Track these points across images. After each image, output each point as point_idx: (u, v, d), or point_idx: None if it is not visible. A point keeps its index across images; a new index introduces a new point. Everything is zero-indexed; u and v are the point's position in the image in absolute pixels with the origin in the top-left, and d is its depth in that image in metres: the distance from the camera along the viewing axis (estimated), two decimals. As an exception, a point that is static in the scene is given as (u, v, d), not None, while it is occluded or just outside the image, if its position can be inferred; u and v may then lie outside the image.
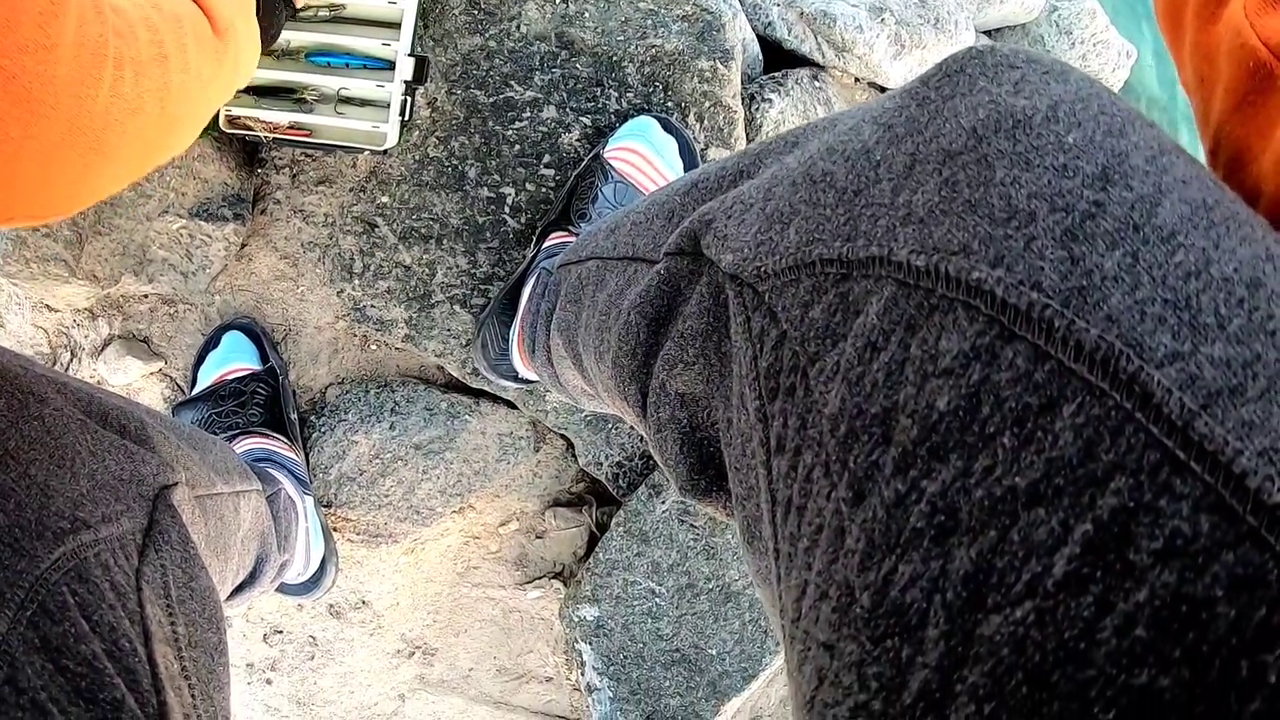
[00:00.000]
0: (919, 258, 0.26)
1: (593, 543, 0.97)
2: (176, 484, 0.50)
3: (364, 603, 1.06)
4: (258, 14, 0.64)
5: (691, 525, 0.89)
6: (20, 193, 0.39)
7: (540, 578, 1.00)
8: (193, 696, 0.42)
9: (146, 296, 1.02)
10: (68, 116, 0.38)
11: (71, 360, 1.10)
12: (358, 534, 1.00)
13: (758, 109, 0.92)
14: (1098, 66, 1.40)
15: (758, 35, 1.02)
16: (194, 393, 0.97)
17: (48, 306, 1.08)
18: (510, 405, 0.92)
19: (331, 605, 1.06)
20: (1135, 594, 0.19)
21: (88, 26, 0.39)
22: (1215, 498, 0.19)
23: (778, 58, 1.04)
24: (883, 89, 1.09)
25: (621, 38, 0.84)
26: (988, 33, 1.36)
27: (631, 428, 0.90)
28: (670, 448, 0.44)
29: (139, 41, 0.44)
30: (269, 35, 0.70)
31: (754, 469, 0.33)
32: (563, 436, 0.94)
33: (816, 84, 1.00)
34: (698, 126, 0.85)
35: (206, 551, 0.55)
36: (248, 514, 0.71)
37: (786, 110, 0.93)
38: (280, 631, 1.09)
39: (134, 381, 1.07)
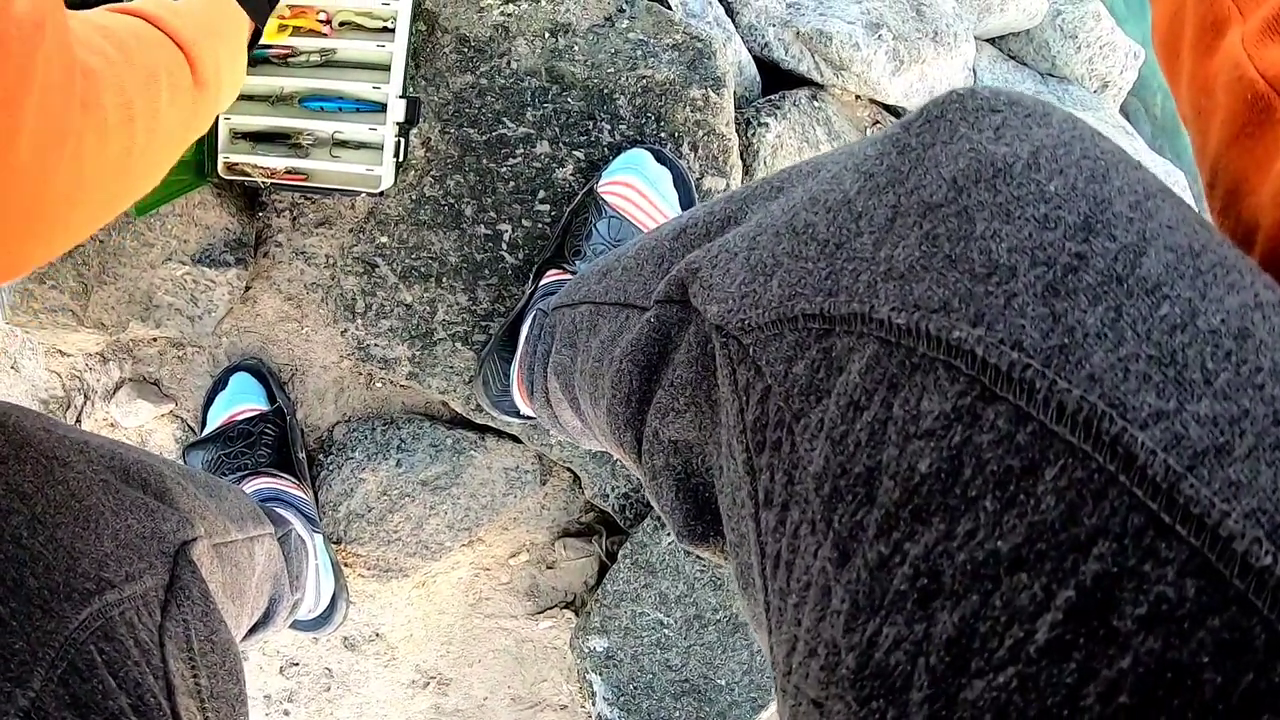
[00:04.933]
0: (900, 315, 0.25)
1: (603, 571, 0.97)
2: (196, 539, 0.51)
3: (378, 635, 1.06)
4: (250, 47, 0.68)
5: (698, 557, 0.88)
6: None
7: (552, 608, 1.00)
8: None
9: (155, 340, 1.04)
10: (27, 203, 0.38)
11: (85, 403, 1.11)
12: (368, 569, 1.00)
13: (754, 134, 0.91)
14: (1105, 69, 1.38)
15: (755, 57, 1.01)
16: (204, 434, 0.98)
17: (60, 352, 1.10)
18: (515, 440, 0.92)
19: (346, 638, 1.07)
20: (1119, 661, 0.19)
21: (51, 101, 0.38)
22: (1201, 561, 0.19)
23: (776, 78, 1.03)
24: (883, 105, 1.08)
25: (612, 70, 0.84)
26: (991, 40, 1.35)
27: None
28: (666, 494, 0.44)
29: (104, 109, 0.43)
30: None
31: (744, 519, 0.33)
32: (569, 469, 0.94)
33: (815, 104, 1.00)
34: (692, 156, 0.84)
35: (223, 598, 0.56)
36: (261, 557, 0.72)
37: (784, 134, 0.92)
38: (296, 664, 1.10)
39: (146, 423, 1.08)
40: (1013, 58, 1.38)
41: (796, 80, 1.02)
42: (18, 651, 0.34)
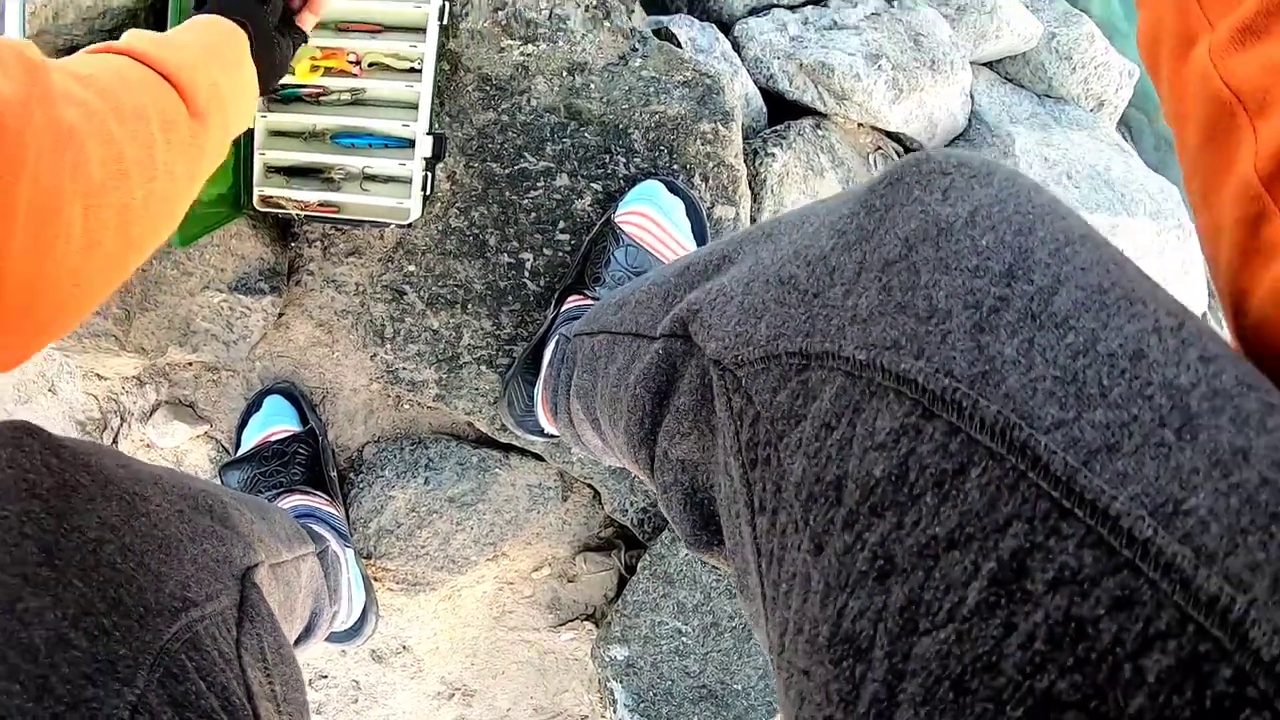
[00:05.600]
0: (861, 352, 0.32)
1: (622, 584, 1.01)
2: (259, 563, 0.57)
3: (405, 648, 1.10)
4: (253, 54, 0.65)
5: (713, 566, 0.92)
6: None
7: (573, 620, 1.04)
8: None
9: (191, 364, 1.08)
10: (25, 283, 0.39)
11: (121, 425, 1.16)
12: (397, 583, 1.04)
13: (761, 163, 0.96)
14: (1100, 89, 1.42)
15: (761, 88, 1.06)
16: (239, 454, 1.02)
17: (98, 375, 1.15)
18: (538, 457, 0.96)
19: (374, 650, 1.11)
20: (1033, 615, 0.24)
21: (43, 175, 0.38)
22: (1095, 536, 0.24)
23: (782, 108, 1.08)
24: (885, 132, 1.13)
25: (626, 106, 0.89)
26: (989, 64, 1.39)
27: (653, 474, 0.94)
28: (675, 507, 0.49)
29: (90, 164, 0.41)
30: (275, 70, 0.71)
31: (740, 527, 0.38)
32: (589, 485, 0.98)
33: (819, 132, 1.04)
34: (703, 186, 0.89)
35: (279, 615, 0.61)
36: (306, 575, 0.77)
37: (789, 163, 0.97)
38: (325, 676, 1.14)
39: (181, 444, 1.13)
40: (1010, 80, 1.42)
41: (801, 110, 1.07)
42: (122, 656, 0.39)
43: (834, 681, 0.28)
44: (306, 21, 0.78)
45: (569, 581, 1.02)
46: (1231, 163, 0.34)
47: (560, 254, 0.89)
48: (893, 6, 1.15)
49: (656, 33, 0.97)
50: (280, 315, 0.99)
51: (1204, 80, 0.36)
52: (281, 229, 0.97)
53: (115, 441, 1.15)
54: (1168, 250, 1.29)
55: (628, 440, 0.54)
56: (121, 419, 1.16)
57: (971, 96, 1.26)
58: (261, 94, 0.70)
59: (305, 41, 0.79)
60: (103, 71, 0.48)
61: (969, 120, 1.22)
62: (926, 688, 0.25)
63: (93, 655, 0.38)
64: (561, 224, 0.89)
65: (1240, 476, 0.23)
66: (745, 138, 0.98)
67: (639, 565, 0.95)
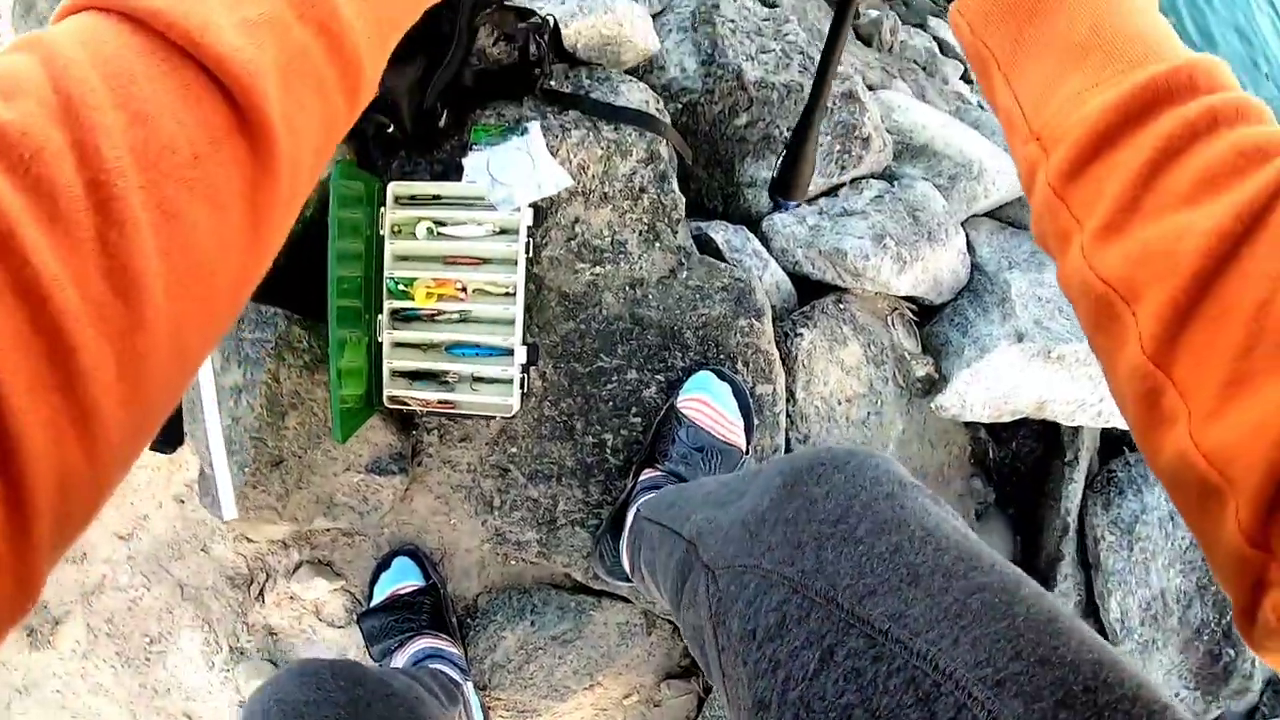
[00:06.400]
0: (768, 565, 0.55)
1: (701, 704, 1.17)
2: None
3: (517, 768, 1.27)
4: (412, 125, 0.71)
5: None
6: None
7: (661, 736, 1.20)
8: None
9: (329, 530, 1.30)
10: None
11: (267, 580, 1.37)
12: (508, 711, 1.22)
13: (791, 344, 1.16)
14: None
15: (789, 273, 1.27)
16: (374, 605, 1.23)
17: (247, 538, 1.37)
18: (625, 600, 1.15)
19: (490, 771, 1.28)
20: (835, 672, 0.47)
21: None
22: (864, 633, 0.45)
23: (808, 286, 1.29)
24: (897, 296, 1.33)
25: (678, 310, 1.10)
26: (989, 214, 1.59)
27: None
28: (694, 649, 0.70)
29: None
30: (432, 137, 0.80)
31: (711, 656, 0.61)
32: (669, 621, 1.16)
33: (840, 306, 1.25)
34: (745, 370, 1.09)
35: None
36: None
37: (815, 340, 1.17)
38: (450, 796, 1.31)
39: (321, 596, 1.34)
40: (1010, 224, 1.62)
41: (824, 287, 1.27)
42: None
43: None
44: None
45: (655, 706, 1.19)
46: (1121, 345, 0.38)
47: (634, 434, 1.10)
48: (893, 187, 1.37)
49: (697, 239, 1.19)
50: (405, 490, 1.20)
51: (1080, 274, 0.40)
52: (406, 420, 1.20)
53: (262, 595, 1.37)
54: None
55: (670, 602, 0.76)
56: (267, 575, 1.38)
57: (972, 249, 1.46)
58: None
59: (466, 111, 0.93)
60: (125, 78, 0.30)
61: (970, 272, 1.42)
62: (799, 708, 0.47)
63: None
64: (633, 410, 1.10)
65: (941, 599, 0.44)
66: (778, 319, 1.19)
67: (714, 687, 1.13)
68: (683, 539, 0.73)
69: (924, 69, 1.91)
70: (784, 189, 0.93)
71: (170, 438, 1.12)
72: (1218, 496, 0.32)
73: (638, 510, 1.00)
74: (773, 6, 1.44)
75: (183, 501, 1.42)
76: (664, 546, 0.80)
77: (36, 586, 0.26)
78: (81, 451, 0.27)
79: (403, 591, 1.20)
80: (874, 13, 1.96)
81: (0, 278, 0.25)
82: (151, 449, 1.06)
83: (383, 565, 1.25)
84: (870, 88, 1.59)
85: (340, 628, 1.32)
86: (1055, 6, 0.45)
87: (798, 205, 1.31)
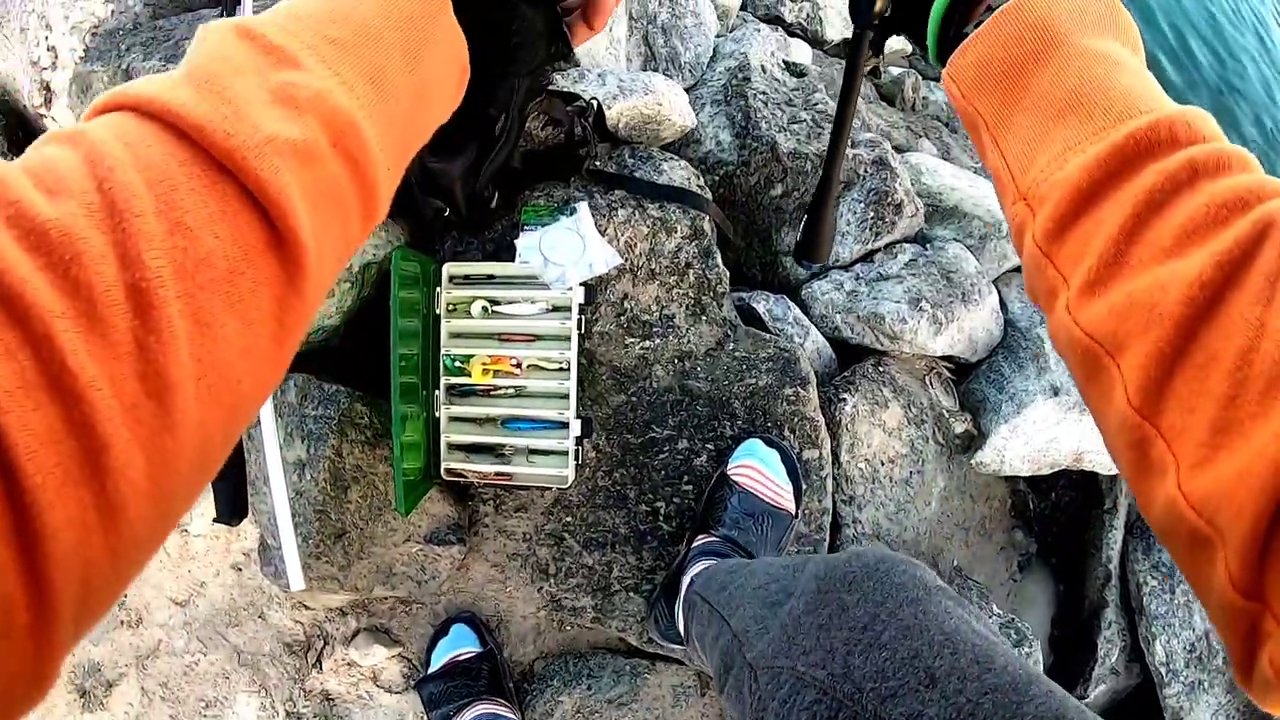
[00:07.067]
0: (801, 667, 0.60)
1: (756, 765, 1.19)
2: None
3: (575, 830, 1.29)
4: (466, 208, 0.76)
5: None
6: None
7: (717, 798, 1.22)
8: None
9: (387, 598, 1.33)
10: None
11: (325, 647, 1.41)
12: (566, 773, 1.25)
13: (835, 409, 1.20)
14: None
15: (829, 339, 1.31)
16: (432, 671, 1.26)
17: (304, 605, 1.41)
18: (679, 662, 1.18)
19: (548, 834, 1.30)
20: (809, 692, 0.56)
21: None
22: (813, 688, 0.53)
23: (848, 350, 1.32)
24: (933, 356, 1.36)
25: (726, 382, 1.14)
26: (1018, 269, 1.63)
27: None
28: None
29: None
30: (484, 218, 0.84)
31: None
32: (722, 683, 1.19)
33: (879, 369, 1.28)
34: (792, 437, 1.13)
35: None
36: None
37: (857, 404, 1.21)
38: None
39: (379, 663, 1.37)
40: (1037, 276, 1.66)
41: (864, 350, 1.31)
42: None
43: None
44: (579, 33, 0.58)
45: (712, 766, 1.20)
46: (1109, 398, 0.38)
47: (686, 502, 1.14)
48: (926, 250, 1.41)
49: (740, 309, 1.24)
50: (463, 559, 1.24)
51: (1066, 330, 0.40)
52: (462, 492, 1.24)
53: (319, 661, 1.40)
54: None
55: (715, 681, 0.80)
56: (325, 642, 1.41)
57: (1004, 306, 1.50)
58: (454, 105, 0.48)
59: (569, 56, 0.64)
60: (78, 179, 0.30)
61: (1004, 329, 1.45)
62: None
63: None
64: (685, 478, 1.14)
65: (956, 699, 0.50)
66: (820, 384, 1.23)
67: (771, 750, 1.15)
68: (729, 628, 0.78)
69: (946, 125, 1.96)
70: (808, 251, 0.96)
71: (236, 510, 1.16)
72: (1207, 546, 0.32)
73: (692, 581, 1.03)
74: (801, 76, 1.49)
75: (240, 569, 1.46)
76: (712, 628, 0.84)
77: (52, 680, 0.28)
78: (106, 547, 0.28)
79: (461, 657, 1.23)
80: (895, 70, 2.02)
81: (37, 378, 0.26)
82: (216, 520, 1.11)
83: (440, 632, 1.28)
84: (897, 149, 1.64)
85: (397, 693, 1.35)
86: (1040, 69, 0.46)
87: (823, 267, 1.35)
